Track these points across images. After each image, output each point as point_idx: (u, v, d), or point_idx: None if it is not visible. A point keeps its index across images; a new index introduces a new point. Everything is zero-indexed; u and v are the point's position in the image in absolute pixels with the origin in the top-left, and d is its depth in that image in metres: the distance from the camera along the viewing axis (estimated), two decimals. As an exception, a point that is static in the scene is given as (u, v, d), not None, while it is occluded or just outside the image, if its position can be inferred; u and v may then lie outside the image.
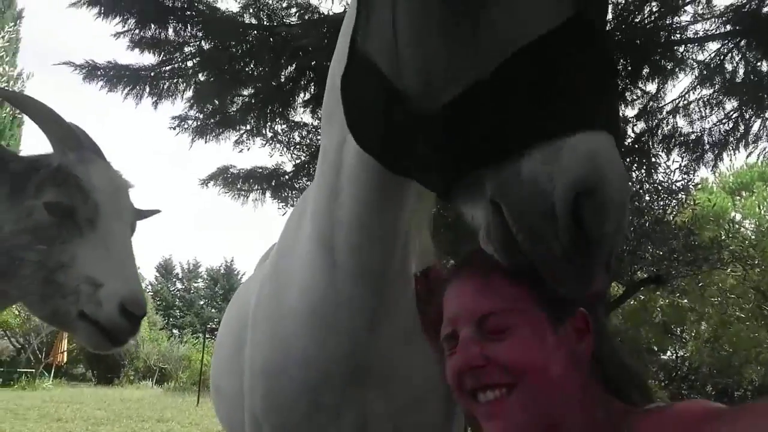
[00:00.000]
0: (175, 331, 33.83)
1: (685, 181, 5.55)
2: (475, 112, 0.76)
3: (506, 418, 0.93)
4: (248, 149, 5.93)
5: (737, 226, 12.60)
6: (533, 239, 0.74)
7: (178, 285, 43.55)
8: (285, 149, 5.83)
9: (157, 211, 1.76)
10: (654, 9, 4.56)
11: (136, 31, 5.01)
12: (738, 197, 14.19)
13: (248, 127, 5.58)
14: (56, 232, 1.32)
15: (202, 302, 41.20)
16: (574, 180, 0.69)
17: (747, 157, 5.17)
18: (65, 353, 19.87)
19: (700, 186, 8.66)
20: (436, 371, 1.31)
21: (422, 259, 1.37)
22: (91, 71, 5.18)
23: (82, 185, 1.37)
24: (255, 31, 5.07)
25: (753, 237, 12.24)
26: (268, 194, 5.82)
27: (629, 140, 4.93)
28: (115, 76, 5.12)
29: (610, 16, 4.50)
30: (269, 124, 5.58)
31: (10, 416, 8.60)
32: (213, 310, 38.78)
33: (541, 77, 0.73)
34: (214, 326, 25.76)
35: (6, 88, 8.71)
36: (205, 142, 5.64)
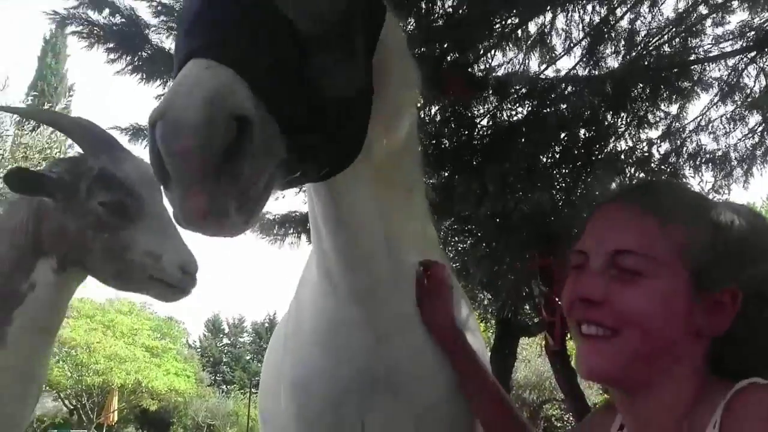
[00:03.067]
0: (223, 386, 34.01)
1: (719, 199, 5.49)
2: None
3: (598, 359, 0.91)
4: (283, 197, 6.17)
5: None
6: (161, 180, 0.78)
7: (225, 341, 43.99)
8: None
9: None
10: (673, 34, 4.67)
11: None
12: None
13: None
14: (113, 223, 1.64)
15: (248, 357, 41.41)
16: (154, 112, 0.74)
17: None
18: (116, 412, 20.19)
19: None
20: (454, 374, 1.36)
21: (426, 257, 1.41)
22: (136, 133, 5.54)
23: (124, 183, 1.67)
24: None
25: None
26: (303, 237, 6.00)
27: (655, 162, 4.96)
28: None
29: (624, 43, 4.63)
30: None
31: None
32: (259, 365, 38.86)
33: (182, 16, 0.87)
34: (259, 381, 25.79)
35: (60, 155, 9.33)
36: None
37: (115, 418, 20.40)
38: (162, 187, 0.80)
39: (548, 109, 4.57)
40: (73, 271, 1.73)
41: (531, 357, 15.96)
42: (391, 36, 1.14)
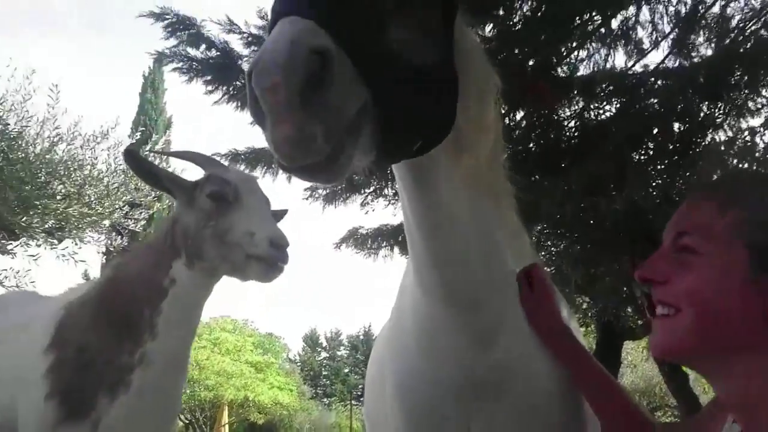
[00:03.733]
0: (324, 399, 34.82)
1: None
2: None
3: (662, 336, 0.97)
4: (373, 210, 6.35)
5: None
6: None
7: (324, 354, 45.05)
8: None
9: (285, 211, 2.40)
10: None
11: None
12: None
13: (371, 189, 6.00)
14: (217, 210, 1.97)
15: (346, 370, 42.18)
16: (249, 64, 0.85)
17: None
18: (226, 426, 21.16)
19: None
20: (561, 374, 1.37)
21: (521, 262, 1.44)
22: (234, 157, 5.92)
23: (225, 178, 2.04)
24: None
25: None
26: (396, 249, 6.14)
27: (759, 151, 4.68)
28: (254, 159, 5.81)
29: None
30: (390, 183, 5.96)
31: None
32: (357, 377, 39.48)
33: None
34: (359, 393, 26.22)
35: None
36: (335, 207, 6.13)
37: None
38: (262, 130, 0.89)
39: (638, 105, 4.45)
40: (200, 267, 2.03)
41: (637, 361, 15.23)
42: (465, 39, 1.19)
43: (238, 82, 5.63)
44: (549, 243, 5.78)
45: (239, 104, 5.66)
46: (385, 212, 6.34)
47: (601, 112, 4.81)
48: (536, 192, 4.66)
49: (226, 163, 6.01)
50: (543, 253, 5.67)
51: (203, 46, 5.63)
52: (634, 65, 4.77)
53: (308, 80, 0.81)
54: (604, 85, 4.55)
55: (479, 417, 1.38)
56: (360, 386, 32.03)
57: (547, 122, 4.88)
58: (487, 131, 1.25)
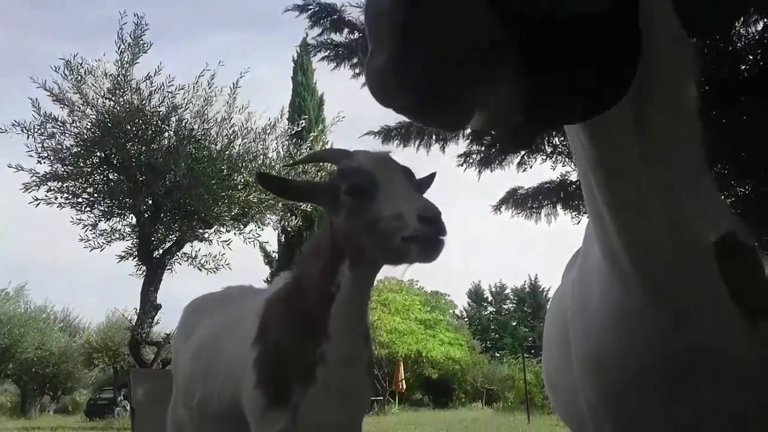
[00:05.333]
0: (495, 353, 35.18)
1: None
2: None
3: None
4: (530, 167, 6.23)
5: None
6: None
7: (490, 309, 45.28)
8: (568, 159, 5.97)
9: (433, 175, 2.32)
10: None
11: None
12: None
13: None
14: (360, 204, 1.90)
15: (514, 323, 42.06)
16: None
17: None
18: (403, 381, 22.33)
19: None
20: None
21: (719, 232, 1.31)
22: (387, 133, 6.15)
23: (354, 167, 1.97)
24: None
25: None
26: (559, 207, 6.01)
27: None
28: (406, 133, 5.99)
29: None
30: (548, 139, 5.82)
31: (373, 438, 10.01)
32: (526, 329, 39.26)
33: None
34: (529, 345, 26.11)
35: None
36: (491, 171, 6.14)
37: (404, 386, 22.57)
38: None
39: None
40: (364, 265, 2.05)
41: None
42: None
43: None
44: (732, 184, 5.30)
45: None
46: (543, 168, 6.19)
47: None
48: (712, 130, 4.29)
49: (380, 140, 6.31)
50: (726, 200, 5.22)
51: (346, 31, 5.87)
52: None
53: (410, 4, 0.70)
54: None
55: (681, 399, 1.34)
56: (530, 338, 31.82)
57: (719, 52, 4.43)
58: (675, 91, 1.12)
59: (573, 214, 6.01)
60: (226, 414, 2.41)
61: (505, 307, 45.08)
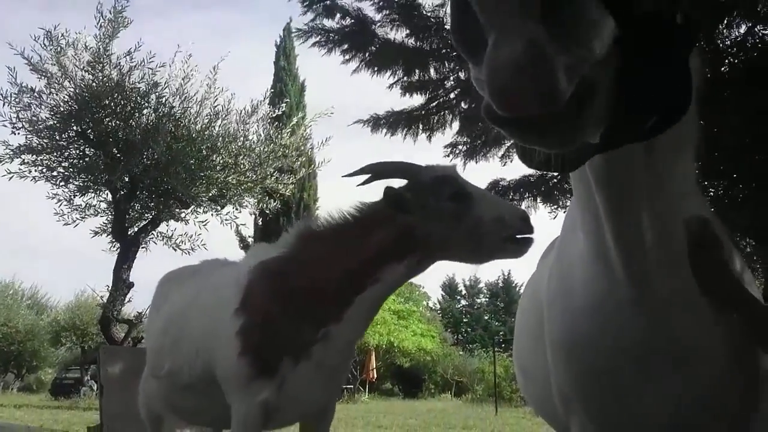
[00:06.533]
0: (466, 345, 35.52)
1: None
2: None
3: None
4: (511, 161, 6.28)
5: None
6: None
7: (463, 302, 45.62)
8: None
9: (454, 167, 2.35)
10: None
11: (405, 79, 5.82)
12: None
13: (512, 141, 5.93)
14: (462, 209, 2.03)
15: (487, 317, 42.49)
16: None
17: None
18: (374, 370, 22.42)
19: None
20: (737, 350, 1.33)
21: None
22: (376, 122, 6.13)
23: (450, 176, 2.09)
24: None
25: None
26: (539, 200, 6.08)
27: None
28: (395, 122, 5.99)
29: None
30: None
31: (342, 424, 10.02)
32: (497, 324, 39.68)
33: None
34: (500, 340, 26.41)
35: (309, 151, 10.81)
36: (476, 162, 6.18)
37: (375, 375, 22.66)
38: (470, 64, 0.67)
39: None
40: (430, 262, 2.19)
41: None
42: None
43: (373, 47, 5.78)
44: (709, 182, 5.40)
45: (376, 69, 5.83)
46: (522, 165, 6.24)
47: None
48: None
49: (368, 129, 6.29)
50: (705, 194, 5.32)
51: (338, 16, 5.83)
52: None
53: None
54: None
55: (652, 388, 1.37)
56: (501, 332, 32.21)
57: (703, 51, 4.50)
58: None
59: (552, 207, 6.09)
60: (197, 383, 2.39)
61: (478, 301, 45.48)
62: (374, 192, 2.19)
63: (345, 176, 2.29)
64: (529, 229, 1.89)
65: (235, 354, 2.17)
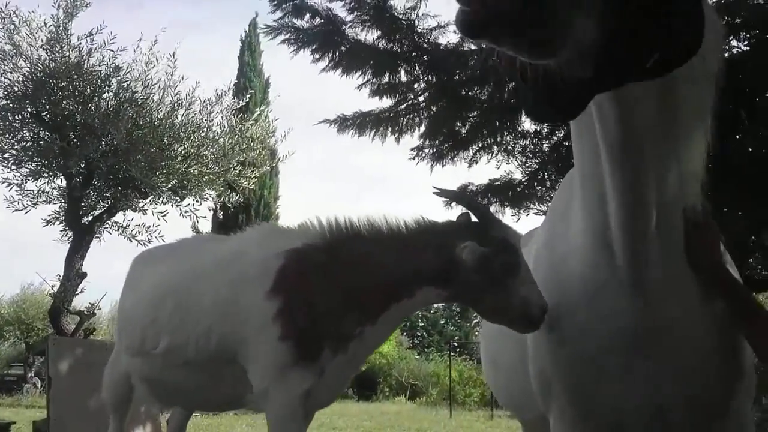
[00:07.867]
0: (422, 349, 35.67)
1: None
2: None
3: None
4: (476, 164, 6.33)
5: None
6: None
7: (419, 306, 45.68)
8: (511, 158, 6.11)
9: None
10: None
11: (374, 80, 5.80)
12: None
13: (480, 146, 5.98)
14: (505, 278, 2.07)
15: (442, 321, 42.78)
16: None
17: None
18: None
19: None
20: (722, 337, 1.37)
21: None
22: (343, 123, 6.09)
23: (513, 247, 2.13)
24: (476, 56, 5.45)
25: None
26: (506, 205, 6.14)
27: None
28: (362, 123, 5.95)
29: None
30: (499, 138, 5.91)
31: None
32: (453, 329, 39.97)
33: None
34: (455, 344, 26.60)
35: (274, 142, 10.65)
36: (442, 166, 6.19)
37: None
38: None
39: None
40: (448, 299, 2.29)
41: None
42: None
43: (343, 47, 5.74)
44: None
45: (344, 69, 5.79)
46: (489, 167, 6.30)
47: (732, 47, 4.48)
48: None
49: (335, 129, 6.21)
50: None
51: (308, 16, 5.76)
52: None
53: None
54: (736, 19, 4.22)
55: (638, 372, 1.40)
56: (457, 337, 32.44)
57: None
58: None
59: (515, 211, 6.16)
60: (204, 360, 2.31)
61: (434, 305, 45.71)
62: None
63: (435, 193, 2.35)
64: (541, 319, 1.91)
65: (275, 338, 2.13)
